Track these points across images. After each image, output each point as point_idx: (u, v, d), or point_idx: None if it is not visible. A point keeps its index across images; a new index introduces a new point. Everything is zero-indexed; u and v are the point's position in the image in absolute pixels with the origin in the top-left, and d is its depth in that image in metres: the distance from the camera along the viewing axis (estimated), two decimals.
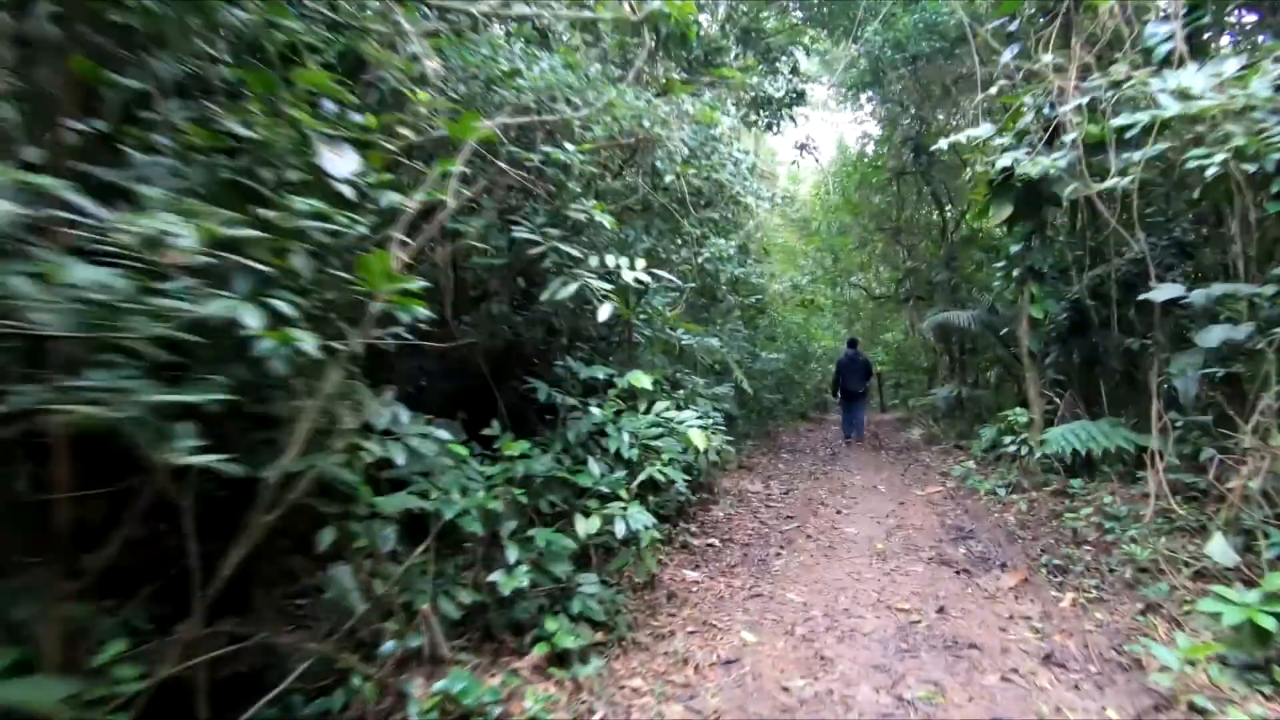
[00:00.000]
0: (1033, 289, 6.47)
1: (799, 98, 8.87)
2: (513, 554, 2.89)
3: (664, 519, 5.55)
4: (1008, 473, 6.94)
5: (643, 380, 3.55)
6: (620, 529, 3.02)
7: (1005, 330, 9.88)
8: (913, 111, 13.89)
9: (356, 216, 1.85)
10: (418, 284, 1.83)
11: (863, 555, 5.09)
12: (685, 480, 3.38)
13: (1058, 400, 7.51)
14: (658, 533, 4.60)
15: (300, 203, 1.71)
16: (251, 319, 1.66)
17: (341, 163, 1.78)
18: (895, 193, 15.85)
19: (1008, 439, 6.87)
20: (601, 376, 3.60)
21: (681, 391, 6.17)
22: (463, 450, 2.81)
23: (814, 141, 11.62)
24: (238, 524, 1.90)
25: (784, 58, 10.49)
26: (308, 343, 1.72)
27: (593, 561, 3.55)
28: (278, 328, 1.70)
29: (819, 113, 23.72)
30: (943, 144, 6.52)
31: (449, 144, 2.31)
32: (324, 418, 1.94)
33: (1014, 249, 6.57)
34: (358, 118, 2.02)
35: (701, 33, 7.90)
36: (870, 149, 16.64)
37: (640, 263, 3.02)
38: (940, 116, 14.17)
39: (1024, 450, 6.59)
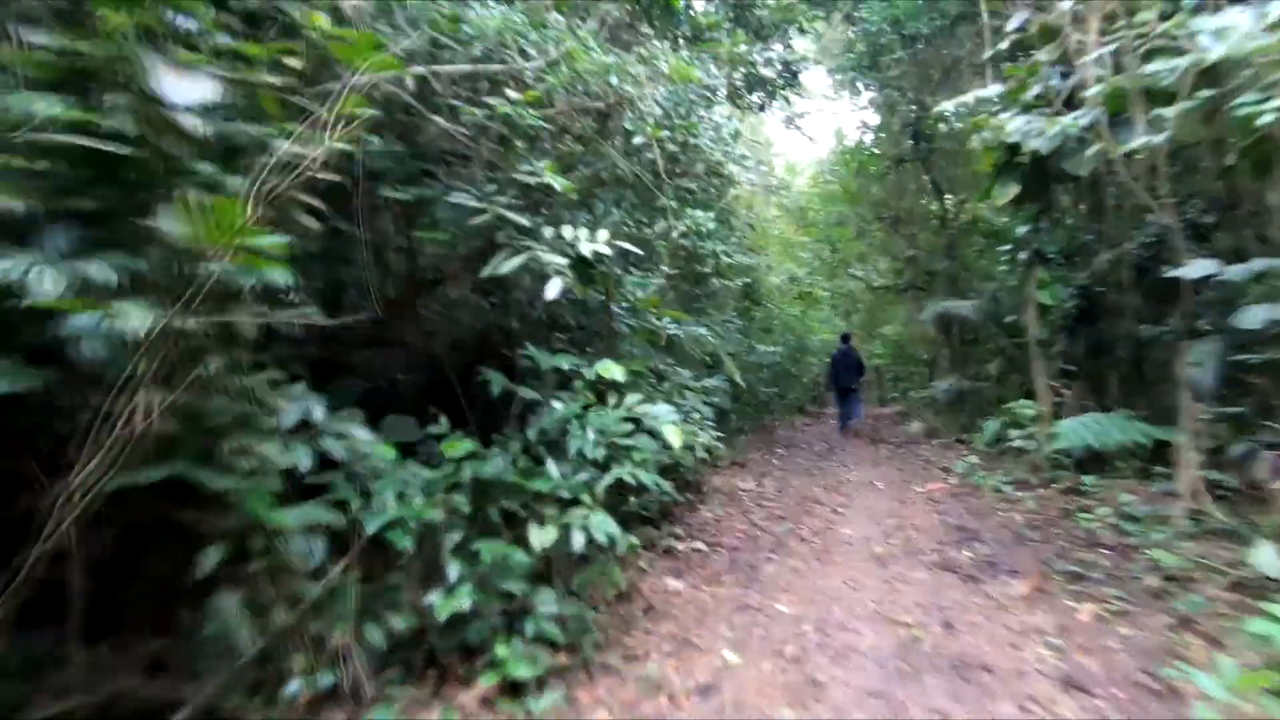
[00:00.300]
0: (1040, 274, 6.06)
1: (793, 78, 8.45)
2: (454, 570, 2.49)
3: (647, 521, 5.15)
4: (1014, 468, 6.54)
5: (613, 371, 3.15)
6: (578, 540, 2.61)
7: (1009, 319, 9.49)
8: (911, 96, 13.44)
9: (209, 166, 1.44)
10: (271, 239, 1.42)
11: (860, 559, 4.69)
12: (661, 483, 2.97)
13: (1065, 392, 7.11)
14: (636, 539, 4.21)
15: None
16: (49, 284, 1.25)
17: (184, 88, 1.37)
18: (894, 181, 15.41)
19: (1014, 433, 6.47)
20: (566, 367, 3.20)
21: (666, 384, 5.76)
22: (389, 451, 2.41)
23: (802, 118, 11.11)
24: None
25: (778, 35, 10.06)
26: (133, 319, 1.31)
27: (558, 574, 3.15)
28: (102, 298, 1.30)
29: (816, 102, 23.27)
30: (946, 106, 6.09)
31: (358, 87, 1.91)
32: (180, 415, 1.53)
33: (1020, 231, 6.15)
34: (227, 40, 1.61)
35: (690, 8, 7.46)
36: (868, 138, 16.20)
37: (602, 234, 2.62)
38: (939, 102, 13.72)
39: (1031, 445, 6.19)
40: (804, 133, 11.70)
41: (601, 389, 3.29)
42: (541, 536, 2.61)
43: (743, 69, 7.15)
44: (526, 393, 3.14)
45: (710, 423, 6.64)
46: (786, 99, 9.40)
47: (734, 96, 10.31)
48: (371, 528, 2.24)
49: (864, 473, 8.01)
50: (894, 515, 5.85)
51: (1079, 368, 7.14)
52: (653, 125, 3.28)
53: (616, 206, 3.79)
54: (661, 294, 6.51)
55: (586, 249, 2.53)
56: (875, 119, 15.61)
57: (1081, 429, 5.48)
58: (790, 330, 18.07)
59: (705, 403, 6.77)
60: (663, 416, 3.11)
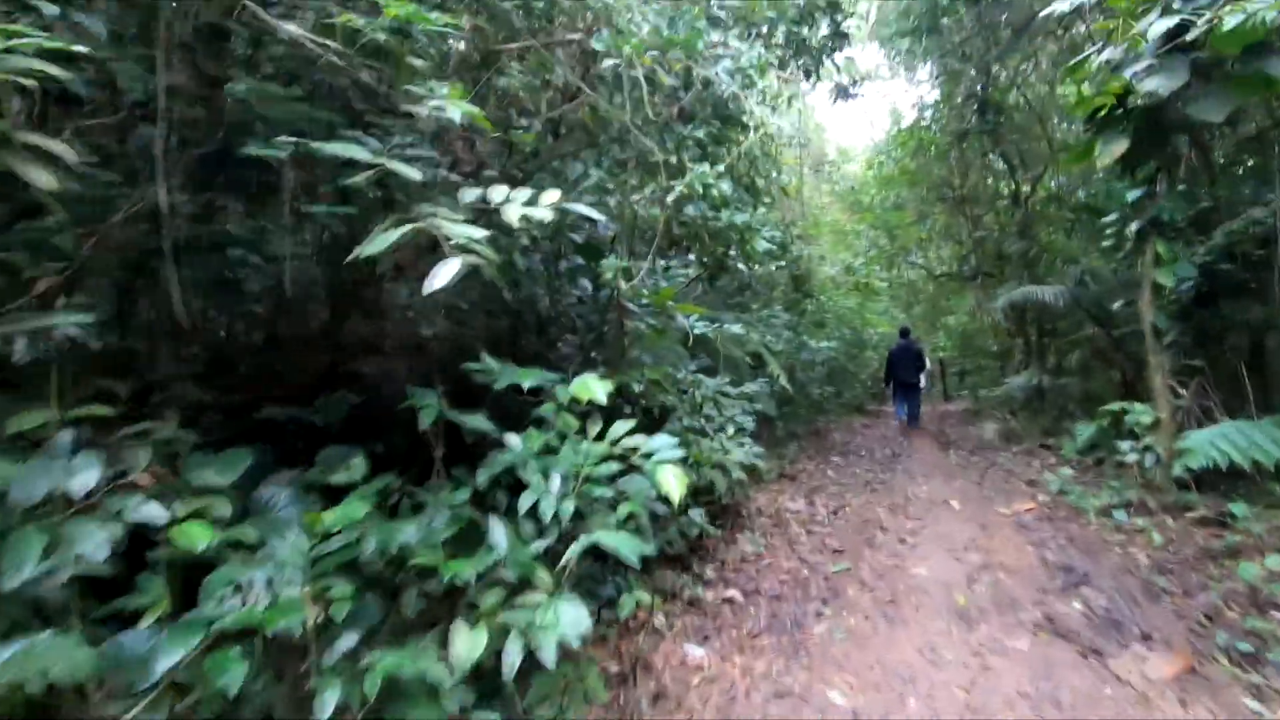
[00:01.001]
0: (1158, 247, 4.84)
1: (841, 39, 7.36)
2: (330, 698, 1.65)
3: (672, 561, 4.24)
4: (1123, 487, 5.34)
5: (592, 390, 2.26)
6: (512, 655, 1.74)
7: (1102, 304, 8.15)
8: (976, 61, 12.04)
9: None
10: None
11: (938, 615, 3.66)
12: (643, 548, 2.06)
13: (1181, 391, 5.84)
14: (646, 594, 3.32)
15: None
16: None
17: None
18: (957, 159, 13.98)
19: (1124, 445, 5.25)
20: (529, 384, 2.32)
21: (693, 394, 4.83)
22: (204, 533, 1.58)
23: (856, 86, 9.93)
24: None
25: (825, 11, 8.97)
26: None
27: (514, 685, 2.28)
28: None
29: (869, 85, 21.75)
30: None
31: None
32: None
33: (1131, 196, 4.95)
34: None
35: None
36: (927, 115, 14.79)
37: (549, 196, 1.74)
38: (1009, 69, 12.28)
39: (1148, 459, 4.99)
40: (856, 101, 10.21)
41: (580, 411, 2.41)
42: (467, 644, 1.75)
43: (783, 28, 6.10)
44: (475, 423, 2.28)
45: (749, 435, 5.69)
46: (835, 65, 8.28)
47: (780, 62, 9.25)
48: (167, 658, 1.42)
49: (935, 487, 6.87)
50: (976, 547, 4.76)
51: (1198, 361, 5.85)
52: (634, 43, 2.37)
53: (597, 165, 2.90)
54: (686, 286, 5.59)
55: (512, 214, 1.66)
56: (934, 94, 14.21)
57: (1221, 442, 4.28)
58: (846, 324, 16.85)
59: (746, 411, 5.83)
60: (660, 453, 2.20)
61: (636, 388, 4.08)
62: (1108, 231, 5.70)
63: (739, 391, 5.92)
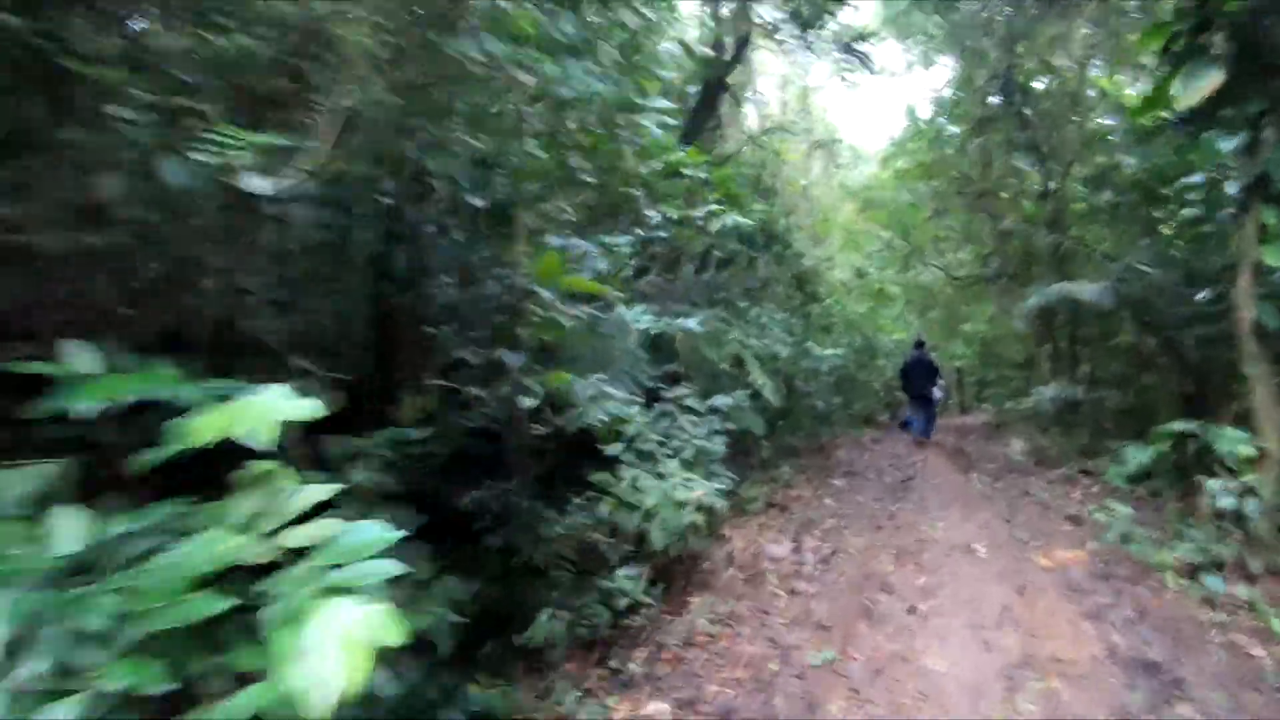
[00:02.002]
0: (1265, 216, 3.52)
1: None
2: None
3: (587, 648, 3.00)
4: (1207, 537, 3.99)
5: (260, 416, 1.07)
6: None
7: (1153, 303, 6.79)
8: (1000, 38, 10.73)
9: None
10: None
11: None
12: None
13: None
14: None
15: None
16: None
17: None
18: (978, 148, 12.62)
19: (1214, 484, 3.90)
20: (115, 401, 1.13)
21: (630, 412, 3.60)
22: None
23: (864, 42, 8.63)
24: None
25: None
26: None
27: None
28: None
29: (882, 80, 20.39)
30: None
31: None
32: None
33: (1226, 147, 3.65)
34: None
35: None
36: (945, 99, 13.46)
37: None
38: (1037, 45, 10.95)
39: (1250, 506, 3.65)
40: (864, 64, 8.89)
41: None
42: None
43: None
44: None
45: (720, 460, 4.45)
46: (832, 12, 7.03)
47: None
48: None
49: (954, 523, 5.55)
50: (1013, 621, 3.46)
51: None
52: None
53: None
54: (632, 271, 4.42)
55: None
56: (953, 77, 12.88)
57: None
58: (856, 330, 15.54)
59: (717, 431, 4.59)
60: (354, 568, 0.98)
61: (530, 402, 2.87)
62: (1186, 202, 4.36)
63: (709, 406, 4.68)
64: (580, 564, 3.08)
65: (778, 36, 7.60)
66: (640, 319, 3.71)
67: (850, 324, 15.39)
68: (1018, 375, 14.54)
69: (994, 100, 11.47)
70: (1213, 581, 3.49)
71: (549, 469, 3.36)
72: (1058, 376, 12.12)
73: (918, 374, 10.95)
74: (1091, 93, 10.95)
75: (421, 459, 2.61)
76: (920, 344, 11.64)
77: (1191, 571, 3.74)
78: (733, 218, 4.44)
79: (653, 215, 4.58)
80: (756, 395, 5.32)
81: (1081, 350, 10.61)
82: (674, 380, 5.07)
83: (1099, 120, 10.52)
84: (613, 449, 3.48)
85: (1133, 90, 11.28)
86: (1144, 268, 7.04)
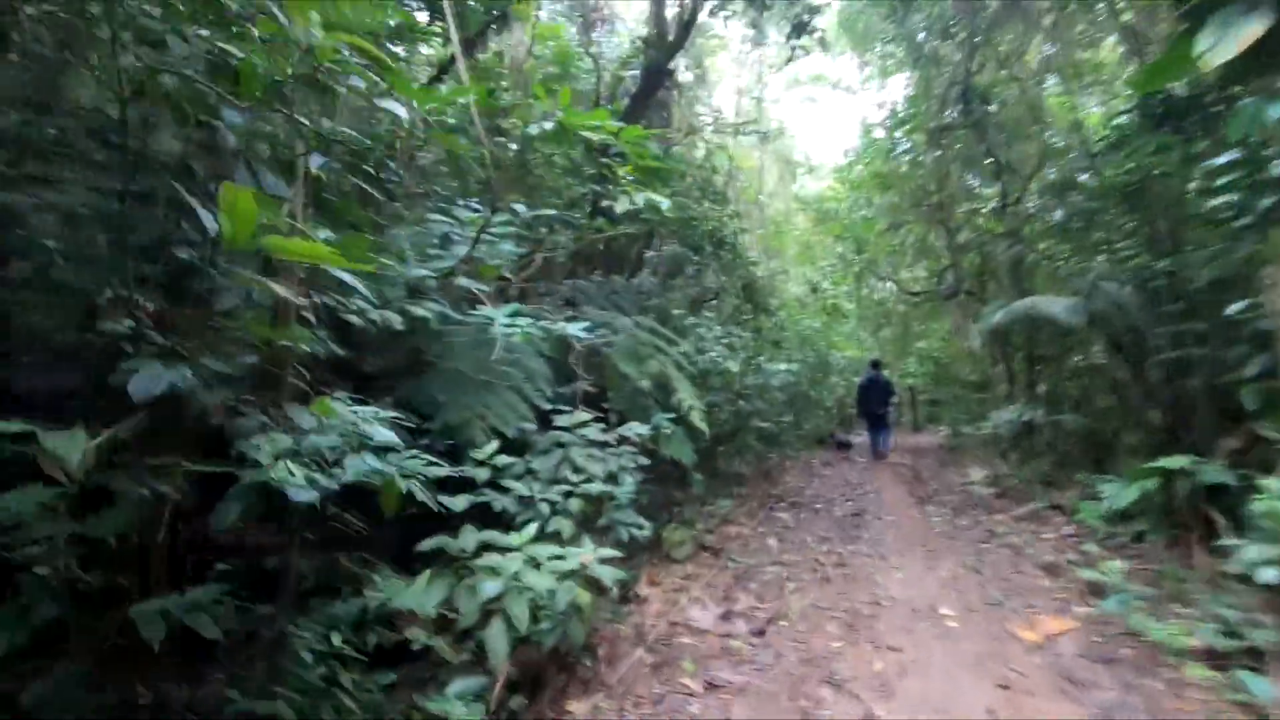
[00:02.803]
0: None
1: None
2: None
3: None
4: (1228, 608, 3.16)
5: None
6: None
7: (1130, 319, 6.10)
8: (961, 42, 10.17)
9: None
10: None
11: None
12: None
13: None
14: None
15: None
16: None
17: None
18: (935, 159, 12.06)
19: (1253, 552, 3.06)
20: None
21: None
22: None
23: (817, 11, 7.79)
24: None
25: None
26: None
27: None
28: None
29: (838, 95, 19.96)
30: None
31: None
32: None
33: (1275, 114, 2.85)
34: None
35: None
36: (901, 109, 12.91)
37: None
38: (997, 52, 10.43)
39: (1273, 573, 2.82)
40: (820, 36, 8.06)
41: None
42: None
43: None
44: None
45: (627, 509, 3.46)
46: None
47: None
48: None
49: (915, 573, 4.66)
50: None
51: None
52: None
53: None
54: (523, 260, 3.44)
55: None
56: (908, 86, 12.32)
57: None
58: (810, 345, 14.83)
59: (629, 467, 3.61)
60: None
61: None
62: (1217, 188, 3.56)
63: (618, 435, 3.69)
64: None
65: (725, 12, 6.74)
66: (508, 323, 2.71)
67: (804, 339, 14.68)
68: (971, 395, 13.99)
69: (952, 112, 10.91)
70: (1254, 683, 2.63)
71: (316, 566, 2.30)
72: (1014, 398, 11.56)
73: (873, 393, 11.32)
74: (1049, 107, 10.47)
75: None
76: (876, 364, 11.95)
77: (1218, 660, 2.89)
78: (644, 196, 3.49)
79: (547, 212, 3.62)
80: (676, 419, 4.36)
81: (1038, 371, 10.00)
82: (590, 402, 4.09)
83: (1054, 138, 9.99)
84: (455, 502, 2.45)
85: (1094, 109, 10.90)
86: (1110, 283, 6.37)
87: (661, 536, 4.78)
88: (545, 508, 2.97)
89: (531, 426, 3.48)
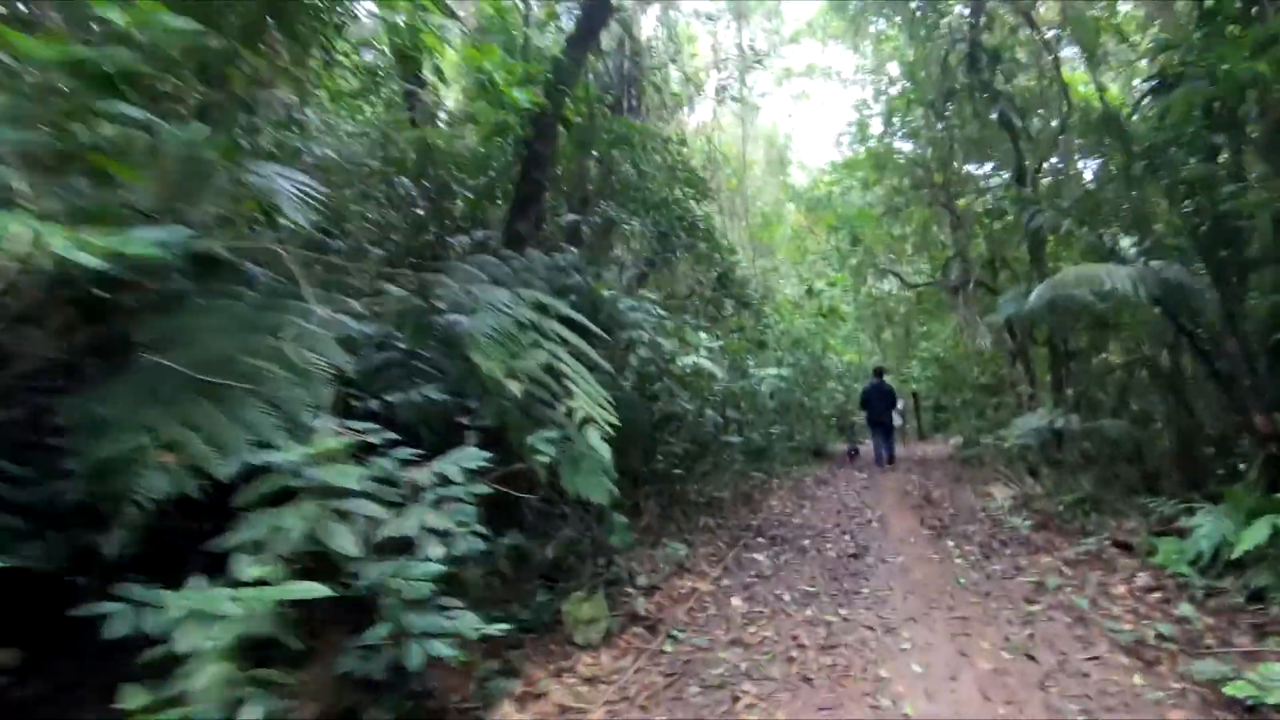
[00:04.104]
0: None
1: None
2: None
3: None
4: None
5: None
6: None
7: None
8: None
9: None
10: None
11: None
12: None
13: None
14: None
15: None
16: None
17: None
18: (940, 135, 10.55)
19: None
20: None
21: None
22: None
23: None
24: None
25: None
26: None
27: None
28: None
29: (831, 86, 18.36)
30: None
31: None
32: None
33: None
34: None
35: None
36: (896, 80, 11.43)
37: None
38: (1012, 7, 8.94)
39: None
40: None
41: None
42: None
43: None
44: None
45: (430, 611, 1.88)
46: None
47: None
48: None
49: (940, 660, 3.07)
50: None
51: None
52: None
53: None
54: None
55: None
56: (909, 49, 10.82)
57: None
58: (804, 348, 13.28)
59: (430, 531, 2.02)
60: None
61: None
62: None
63: (435, 474, 2.13)
64: None
65: None
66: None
67: (796, 342, 13.13)
68: (983, 400, 12.35)
69: (957, 75, 9.41)
70: None
71: None
72: (1035, 402, 9.97)
73: (877, 401, 11.11)
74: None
75: None
76: (879, 372, 11.81)
77: None
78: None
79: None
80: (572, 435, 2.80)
81: (1068, 370, 8.40)
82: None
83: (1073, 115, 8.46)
84: None
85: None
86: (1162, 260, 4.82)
87: (563, 612, 3.20)
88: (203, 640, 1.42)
89: (283, 457, 1.93)
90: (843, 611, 3.81)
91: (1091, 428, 6.93)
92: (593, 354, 3.19)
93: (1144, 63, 8.37)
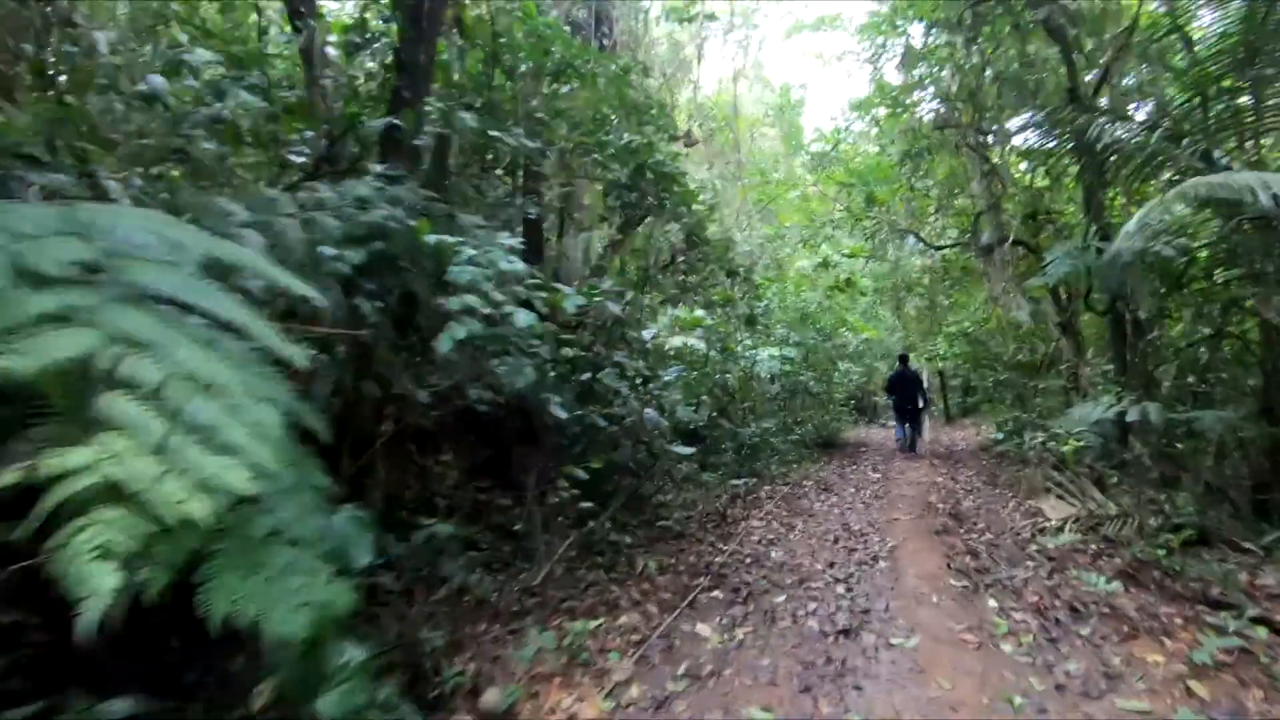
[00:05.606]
0: None
1: None
2: None
3: None
4: None
5: None
6: None
7: None
8: None
9: None
10: None
11: None
12: None
13: None
14: None
15: None
16: None
17: None
18: (968, 62, 8.53)
19: None
20: None
21: None
22: None
23: None
24: None
25: None
26: None
27: None
28: None
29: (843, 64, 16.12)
30: None
31: None
32: None
33: None
34: None
35: None
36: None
37: None
38: None
39: None
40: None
41: None
42: None
43: None
44: None
45: None
46: None
47: None
48: None
49: None
50: None
51: None
52: None
53: None
54: None
55: None
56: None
57: None
58: (813, 323, 11.47)
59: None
60: None
61: None
62: None
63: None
64: None
65: None
66: None
67: (805, 317, 11.31)
68: (1021, 381, 10.37)
69: None
70: None
71: None
72: (1075, 381, 8.12)
73: (903, 387, 10.68)
74: None
75: None
76: (905, 358, 11.28)
77: None
78: None
79: None
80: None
81: (1139, 344, 6.45)
82: None
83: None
84: None
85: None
86: None
87: None
88: None
89: None
90: None
91: (1180, 418, 5.04)
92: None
93: None
